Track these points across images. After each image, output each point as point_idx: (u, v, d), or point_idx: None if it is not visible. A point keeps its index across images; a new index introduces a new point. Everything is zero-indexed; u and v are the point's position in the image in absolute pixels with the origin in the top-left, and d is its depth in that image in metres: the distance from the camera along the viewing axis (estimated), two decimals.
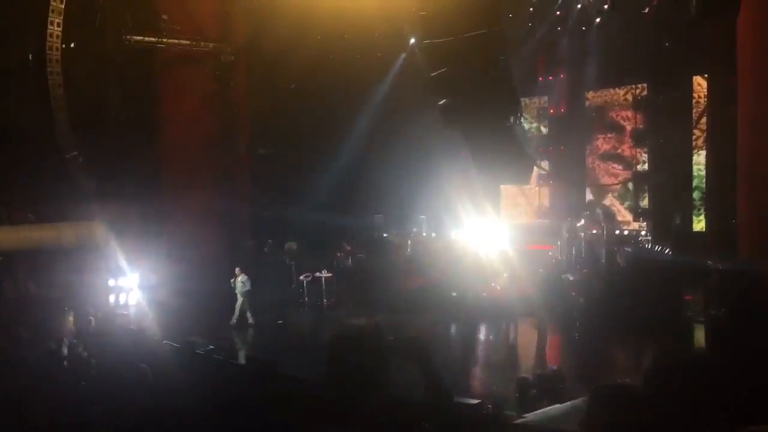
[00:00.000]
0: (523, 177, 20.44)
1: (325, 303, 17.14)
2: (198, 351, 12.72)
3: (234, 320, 15.78)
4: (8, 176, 17.48)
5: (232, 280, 15.88)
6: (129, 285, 16.61)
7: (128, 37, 19.16)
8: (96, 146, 18.90)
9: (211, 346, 12.83)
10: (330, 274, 17.55)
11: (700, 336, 12.90)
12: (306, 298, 17.44)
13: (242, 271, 15.85)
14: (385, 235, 20.54)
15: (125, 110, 19.63)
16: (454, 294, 16.33)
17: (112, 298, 16.43)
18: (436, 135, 19.55)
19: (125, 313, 15.70)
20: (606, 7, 18.18)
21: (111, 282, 16.68)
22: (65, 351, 11.61)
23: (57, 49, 18.26)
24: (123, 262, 16.87)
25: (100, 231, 18.12)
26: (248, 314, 15.80)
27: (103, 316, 14.70)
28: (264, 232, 20.56)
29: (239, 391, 9.73)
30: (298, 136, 20.85)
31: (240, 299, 15.77)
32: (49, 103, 19.14)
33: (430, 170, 19.83)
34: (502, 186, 21.52)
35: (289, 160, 20.95)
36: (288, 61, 19.67)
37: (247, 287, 15.73)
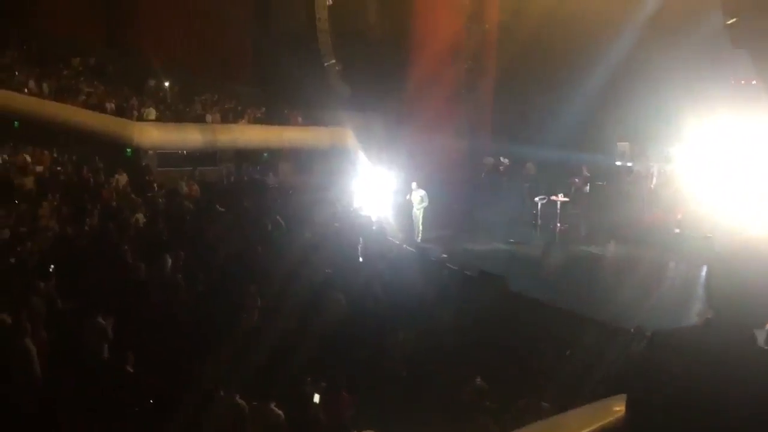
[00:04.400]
0: None
1: (558, 227, 16.83)
2: (432, 258, 13.43)
3: (419, 237, 15.86)
4: (282, 81, 19.34)
5: (408, 195, 15.94)
6: (372, 188, 17.58)
7: None
8: (353, 56, 20.03)
9: (444, 255, 13.42)
10: (566, 199, 17.12)
11: None
12: (539, 221, 17.24)
13: (419, 185, 15.87)
14: (629, 164, 19.29)
15: (382, 24, 20.40)
16: (709, 236, 15.00)
17: (356, 200, 17.58)
18: (702, 60, 17.62)
19: (367, 215, 16.74)
20: None
21: (357, 184, 17.81)
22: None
23: None
24: (367, 167, 17.97)
25: (349, 136, 19.48)
26: (420, 229, 15.79)
27: (346, 215, 15.94)
28: (502, 151, 20.46)
29: (469, 299, 10.16)
30: (548, 60, 20.00)
31: (417, 214, 15.81)
32: (314, 14, 20.56)
33: (689, 98, 17.93)
34: None
35: (533, 84, 20.27)
36: None
37: (425, 203, 15.75)
